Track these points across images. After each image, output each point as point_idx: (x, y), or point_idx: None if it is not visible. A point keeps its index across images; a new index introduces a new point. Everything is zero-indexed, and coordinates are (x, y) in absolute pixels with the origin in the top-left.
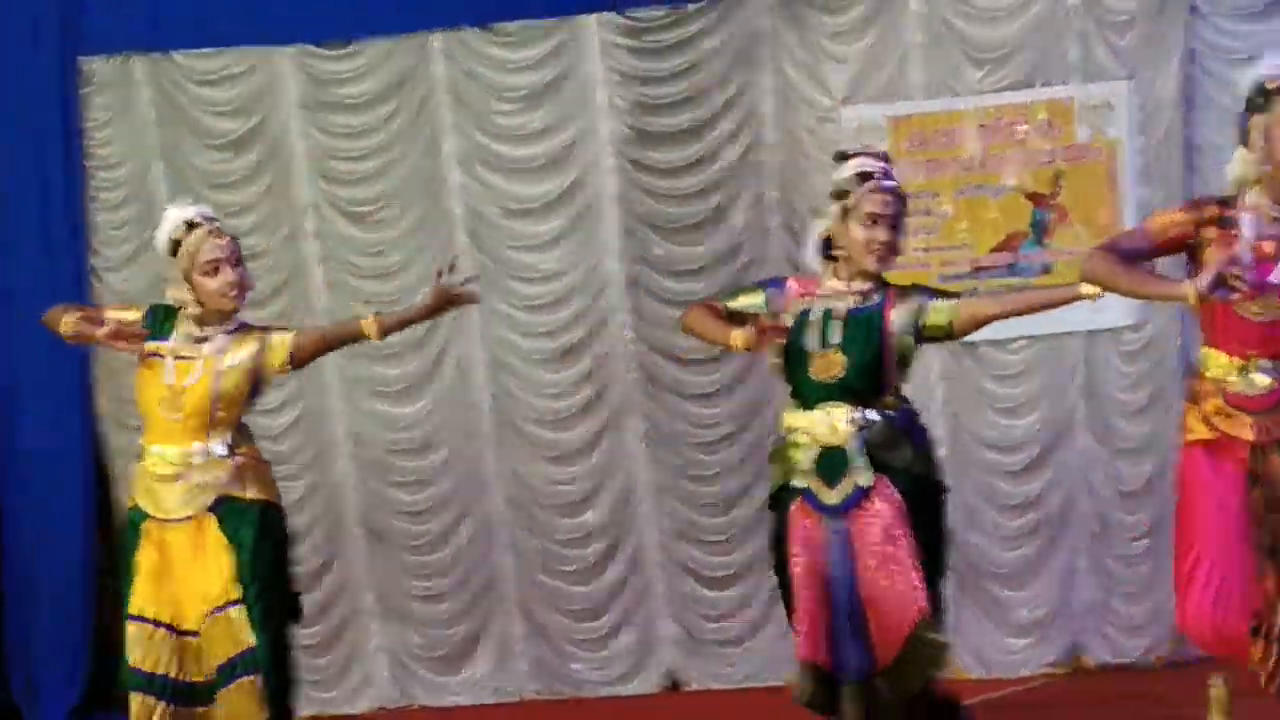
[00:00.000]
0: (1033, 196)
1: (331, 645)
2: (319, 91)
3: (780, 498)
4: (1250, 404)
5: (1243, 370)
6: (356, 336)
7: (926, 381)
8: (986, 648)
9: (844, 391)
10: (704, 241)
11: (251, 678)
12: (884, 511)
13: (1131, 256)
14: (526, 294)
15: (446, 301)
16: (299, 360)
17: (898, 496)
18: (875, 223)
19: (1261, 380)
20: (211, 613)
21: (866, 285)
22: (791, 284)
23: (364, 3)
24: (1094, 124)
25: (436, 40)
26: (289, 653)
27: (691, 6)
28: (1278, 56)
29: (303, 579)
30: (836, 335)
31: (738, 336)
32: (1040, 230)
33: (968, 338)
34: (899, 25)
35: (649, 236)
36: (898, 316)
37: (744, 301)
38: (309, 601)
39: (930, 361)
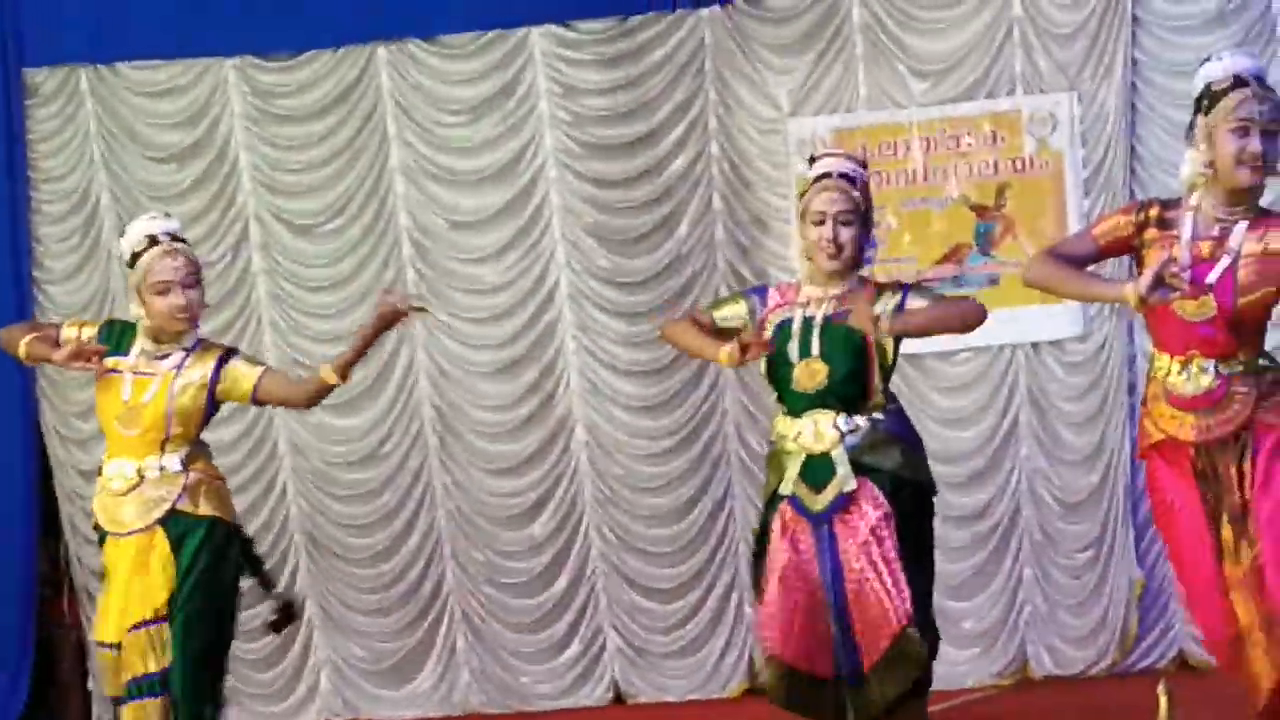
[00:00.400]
0: (977, 208)
1: (276, 659)
2: (264, 103)
3: (771, 501)
4: (1192, 404)
5: (1184, 370)
6: (321, 390)
7: None
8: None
9: (829, 398)
10: (649, 253)
11: (156, 700)
12: (869, 514)
13: (1076, 260)
14: (471, 306)
15: (390, 319)
16: (261, 401)
17: (883, 499)
18: (822, 221)
19: (1202, 380)
20: (135, 626)
21: (844, 288)
22: (773, 293)
23: (309, 15)
24: (1038, 136)
25: (381, 52)
26: (209, 674)
27: (635, 19)
28: (1224, 57)
29: (246, 593)
30: (817, 344)
31: (724, 354)
32: (985, 242)
33: (911, 348)
34: (843, 38)
35: (594, 248)
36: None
37: (727, 311)
38: (252, 616)
39: None
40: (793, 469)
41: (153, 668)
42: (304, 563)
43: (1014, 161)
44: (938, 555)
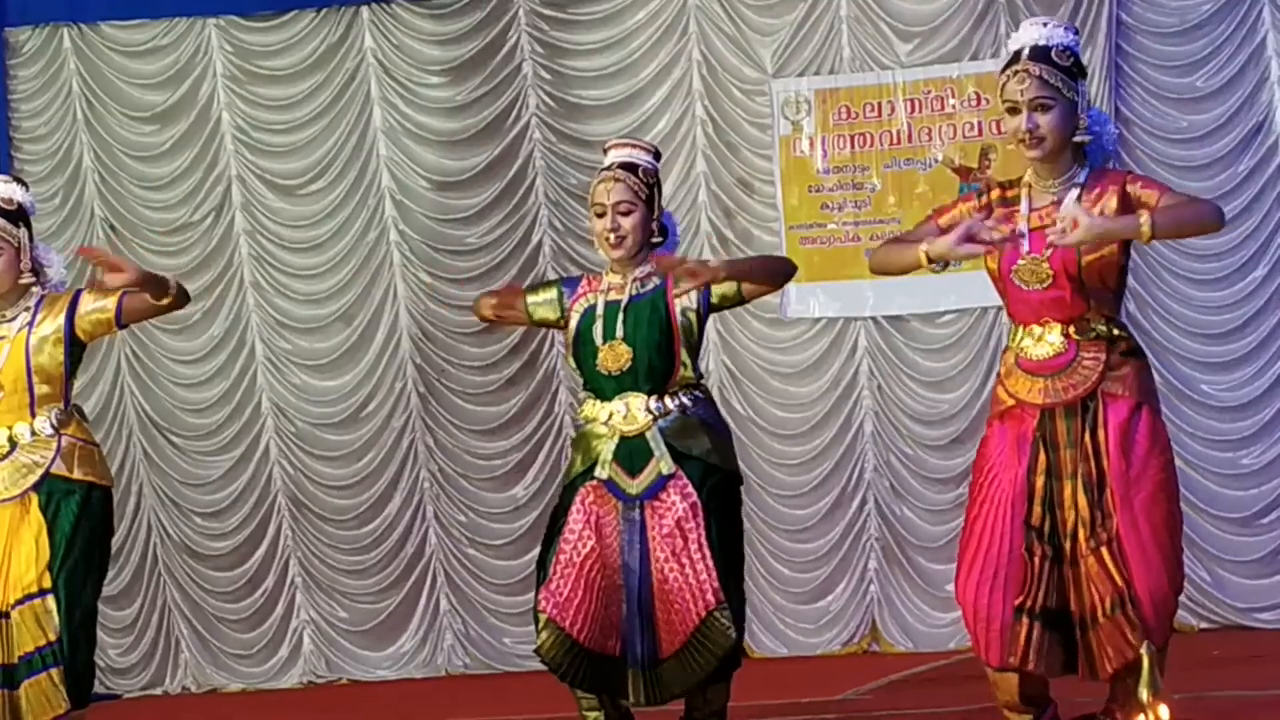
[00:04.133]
0: (961, 170)
1: (259, 620)
2: (246, 63)
3: (574, 482)
4: (1041, 367)
5: (1039, 337)
6: (172, 292)
7: (852, 355)
8: (915, 622)
9: (637, 380)
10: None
11: (53, 670)
12: (676, 505)
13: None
14: (454, 267)
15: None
16: (126, 320)
17: (692, 490)
18: (603, 213)
19: (1055, 343)
20: (21, 600)
21: (643, 271)
22: (583, 283)
23: None
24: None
25: (364, 12)
26: (91, 641)
27: None
28: (1021, 28)
29: (229, 554)
30: (620, 327)
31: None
32: None
33: (893, 310)
34: None
35: (576, 209)
36: (679, 298)
37: (540, 297)
38: (236, 576)
39: (856, 336)
40: (606, 452)
41: (43, 642)
42: (287, 524)
43: (998, 123)
44: (920, 517)
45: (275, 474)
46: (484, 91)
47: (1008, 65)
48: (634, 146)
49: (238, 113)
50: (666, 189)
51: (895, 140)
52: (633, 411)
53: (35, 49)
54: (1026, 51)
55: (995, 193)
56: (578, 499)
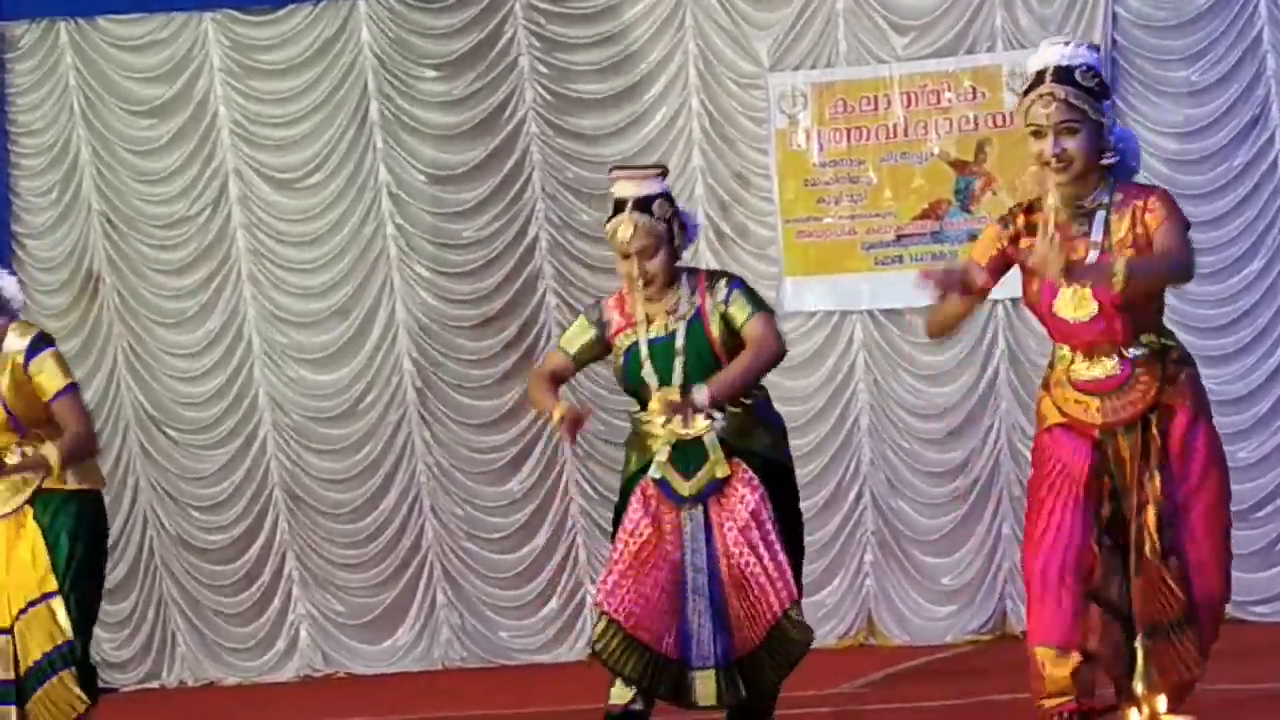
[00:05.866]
0: (957, 164)
1: (256, 614)
2: (243, 57)
3: (632, 479)
4: (1096, 387)
5: (1091, 360)
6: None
7: (849, 349)
8: (911, 615)
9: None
10: None
11: (64, 673)
12: (747, 497)
13: (974, 288)
14: (451, 261)
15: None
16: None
17: (758, 481)
18: (628, 255)
19: (1106, 364)
20: (26, 608)
21: (675, 296)
22: (612, 313)
23: None
24: (1019, 91)
25: (361, 6)
26: (91, 629)
27: None
28: (1041, 47)
29: (226, 547)
30: (672, 371)
31: (556, 415)
32: (965, 198)
33: (889, 304)
34: None
35: (572, 203)
36: (713, 315)
37: (577, 340)
38: (233, 570)
39: (852, 328)
40: (661, 453)
41: (50, 646)
42: (283, 518)
43: (994, 117)
44: (917, 511)
45: (272, 468)
46: (481, 85)
47: (1031, 87)
48: (642, 178)
49: (235, 107)
50: None
51: (891, 134)
52: (691, 419)
53: (32, 43)
54: (1050, 73)
55: (1020, 219)
56: (637, 491)
